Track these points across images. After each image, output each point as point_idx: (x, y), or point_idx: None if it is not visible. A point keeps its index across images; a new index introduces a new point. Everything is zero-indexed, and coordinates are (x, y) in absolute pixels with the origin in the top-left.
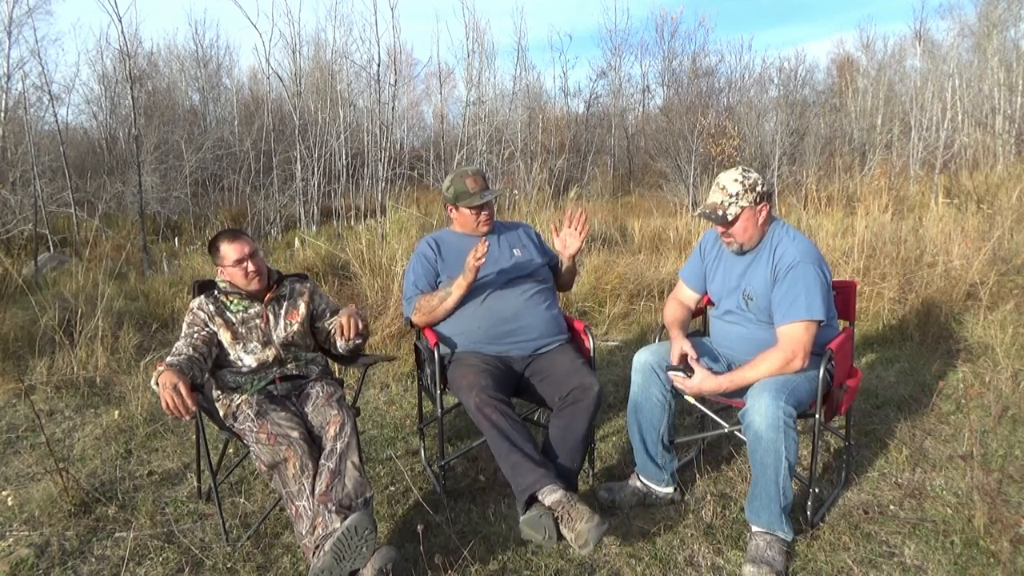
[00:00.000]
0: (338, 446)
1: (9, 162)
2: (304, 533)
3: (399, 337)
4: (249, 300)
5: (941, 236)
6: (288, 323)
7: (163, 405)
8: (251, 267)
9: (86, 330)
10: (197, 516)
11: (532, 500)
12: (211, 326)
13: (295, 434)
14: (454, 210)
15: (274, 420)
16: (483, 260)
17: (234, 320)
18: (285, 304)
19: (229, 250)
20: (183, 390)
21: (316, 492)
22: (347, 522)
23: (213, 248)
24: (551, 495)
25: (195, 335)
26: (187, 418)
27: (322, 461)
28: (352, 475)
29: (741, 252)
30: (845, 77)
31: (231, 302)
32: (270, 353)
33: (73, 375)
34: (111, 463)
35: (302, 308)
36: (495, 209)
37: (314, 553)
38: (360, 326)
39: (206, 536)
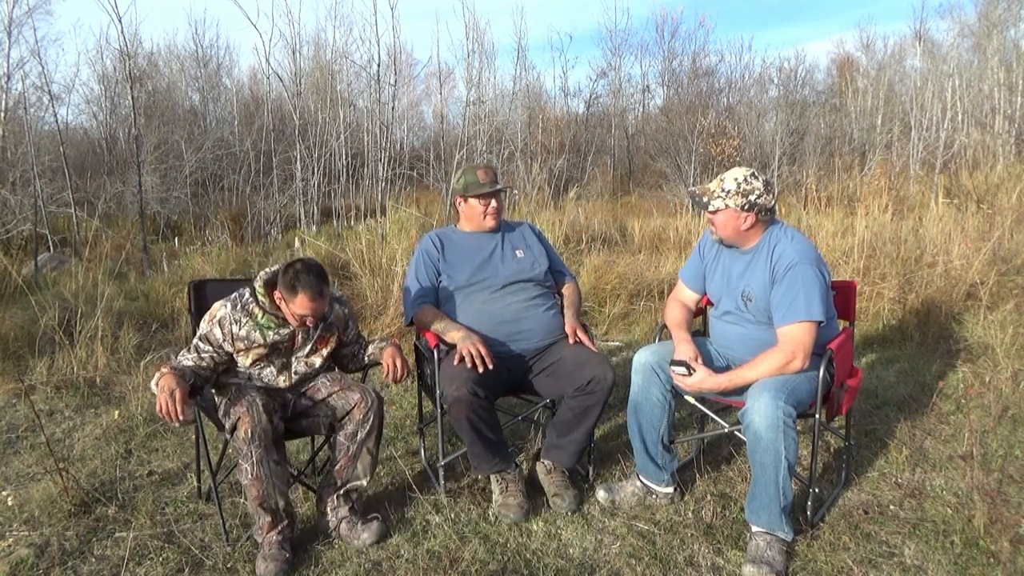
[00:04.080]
0: (360, 433)
1: (9, 162)
2: (249, 499)
3: (399, 337)
4: (283, 321)
5: (941, 236)
6: (315, 349)
7: (157, 408)
8: (309, 323)
9: (86, 330)
10: (197, 516)
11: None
12: (225, 347)
13: (259, 402)
14: (463, 202)
15: (247, 391)
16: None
17: (260, 341)
18: (320, 328)
19: (303, 305)
20: (178, 397)
21: (335, 467)
22: None
23: (289, 286)
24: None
25: (203, 353)
26: (176, 424)
27: (343, 440)
28: (365, 459)
29: (723, 244)
30: (845, 77)
31: (262, 317)
32: (283, 381)
33: (73, 375)
34: (111, 463)
35: (333, 341)
36: (503, 207)
37: (269, 539)
38: (407, 369)
39: (206, 536)
